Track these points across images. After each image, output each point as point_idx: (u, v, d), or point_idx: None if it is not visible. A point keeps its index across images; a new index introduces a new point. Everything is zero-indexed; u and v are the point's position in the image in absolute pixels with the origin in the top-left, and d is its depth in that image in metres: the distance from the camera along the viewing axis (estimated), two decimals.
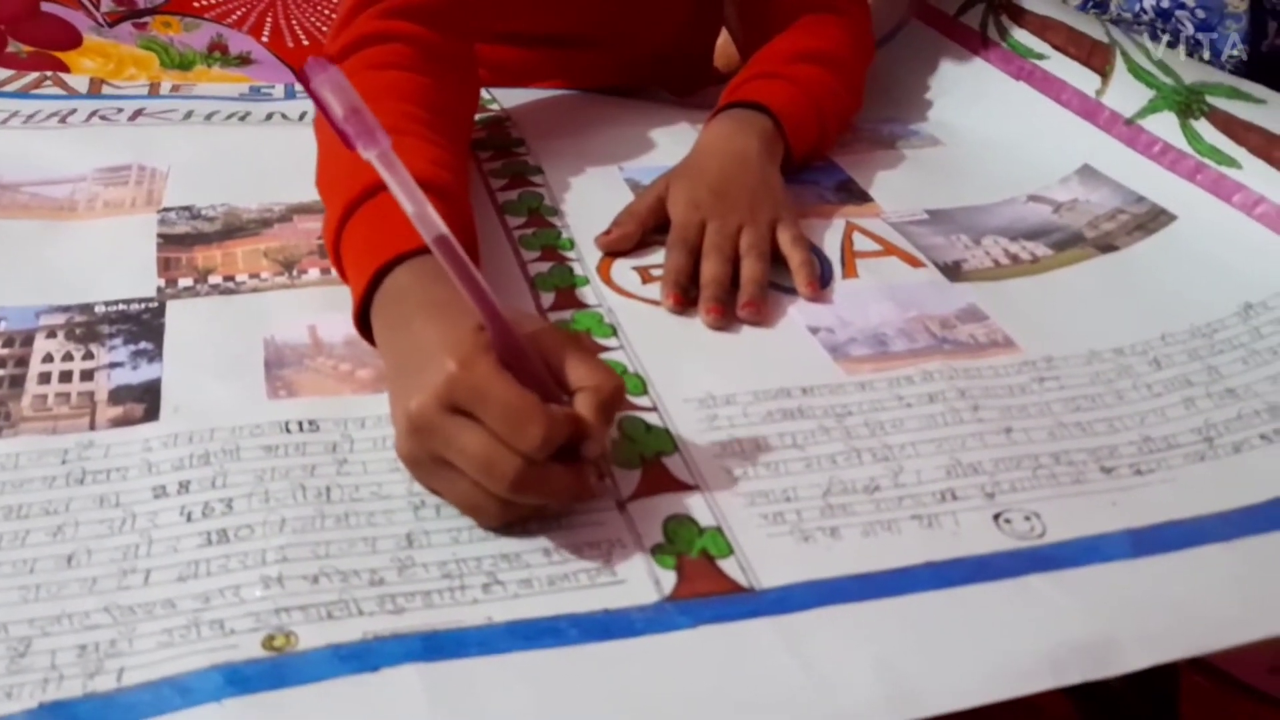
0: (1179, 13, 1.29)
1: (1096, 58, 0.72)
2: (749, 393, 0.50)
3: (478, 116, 0.75)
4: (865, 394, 0.51)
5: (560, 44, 0.82)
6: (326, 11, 1.55)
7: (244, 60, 1.43)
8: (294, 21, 1.57)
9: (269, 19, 1.52)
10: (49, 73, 0.77)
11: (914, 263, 0.61)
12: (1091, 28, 0.74)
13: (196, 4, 1.50)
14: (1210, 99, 0.65)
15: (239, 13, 1.50)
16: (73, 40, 1.66)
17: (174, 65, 1.59)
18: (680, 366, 0.52)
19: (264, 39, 1.44)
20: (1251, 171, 0.62)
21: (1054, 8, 0.77)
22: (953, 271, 0.60)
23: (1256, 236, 0.60)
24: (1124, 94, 0.70)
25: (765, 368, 0.52)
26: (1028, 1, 0.79)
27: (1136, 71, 0.70)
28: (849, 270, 0.60)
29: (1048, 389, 0.51)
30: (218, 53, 1.41)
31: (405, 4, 0.64)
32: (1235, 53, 1.24)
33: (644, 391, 0.50)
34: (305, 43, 1.47)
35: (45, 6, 1.65)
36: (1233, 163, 0.63)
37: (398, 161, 0.41)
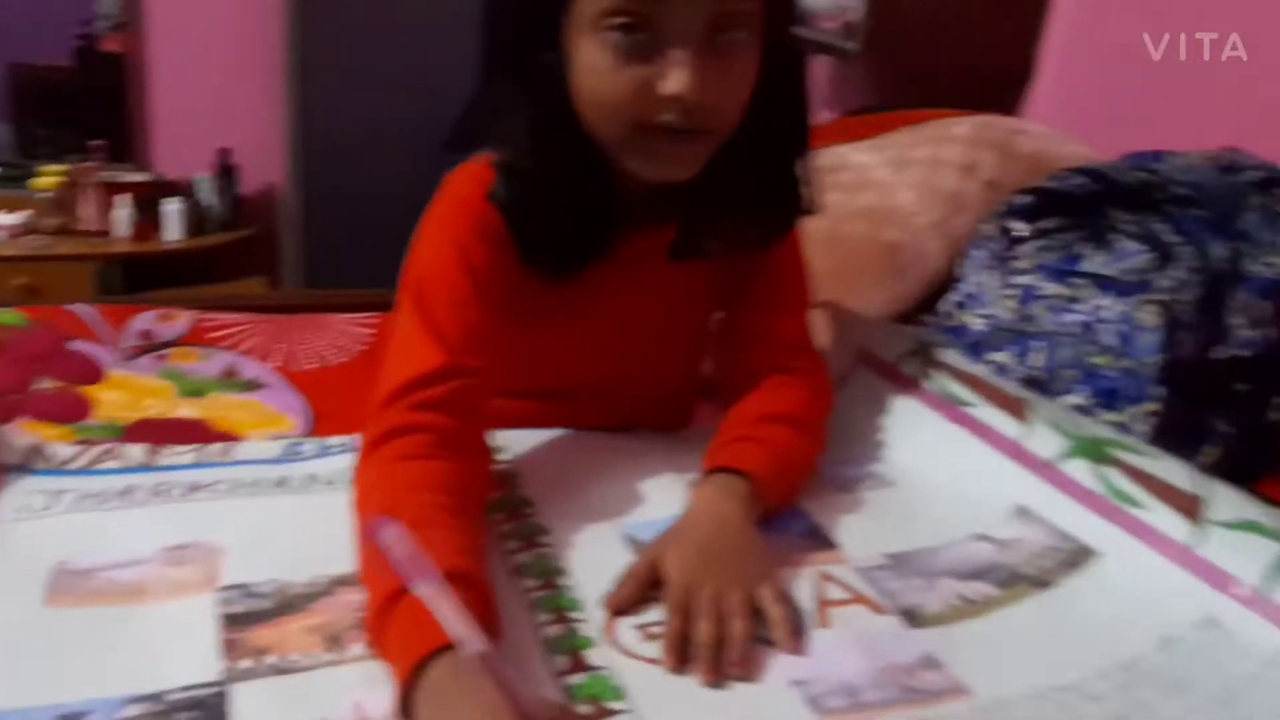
0: (1100, 325, 1.45)
1: (1015, 408, 0.85)
2: None
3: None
4: None
5: (559, 396, 0.95)
6: (330, 339, 1.70)
7: (254, 386, 1.56)
8: (301, 348, 1.71)
9: (281, 346, 1.66)
10: (109, 446, 0.87)
11: (878, 609, 0.70)
12: (1005, 384, 0.86)
13: (210, 335, 1.65)
14: (1110, 450, 0.77)
15: (251, 341, 1.64)
16: (95, 374, 1.78)
17: (189, 393, 1.72)
18: None
19: (277, 364, 1.57)
20: (1156, 512, 0.72)
21: (972, 366, 0.91)
22: (912, 617, 0.69)
23: (1167, 572, 0.69)
24: (1044, 440, 0.82)
25: None
26: (952, 359, 0.93)
27: (1050, 422, 0.81)
28: (822, 619, 0.69)
29: None
30: (230, 378, 1.54)
31: (429, 397, 0.76)
32: (1153, 361, 1.39)
33: None
34: (311, 367, 1.60)
35: (71, 345, 1.79)
36: (1139, 505, 0.73)
37: (442, 595, 0.51)
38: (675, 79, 0.72)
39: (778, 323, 0.93)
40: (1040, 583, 0.72)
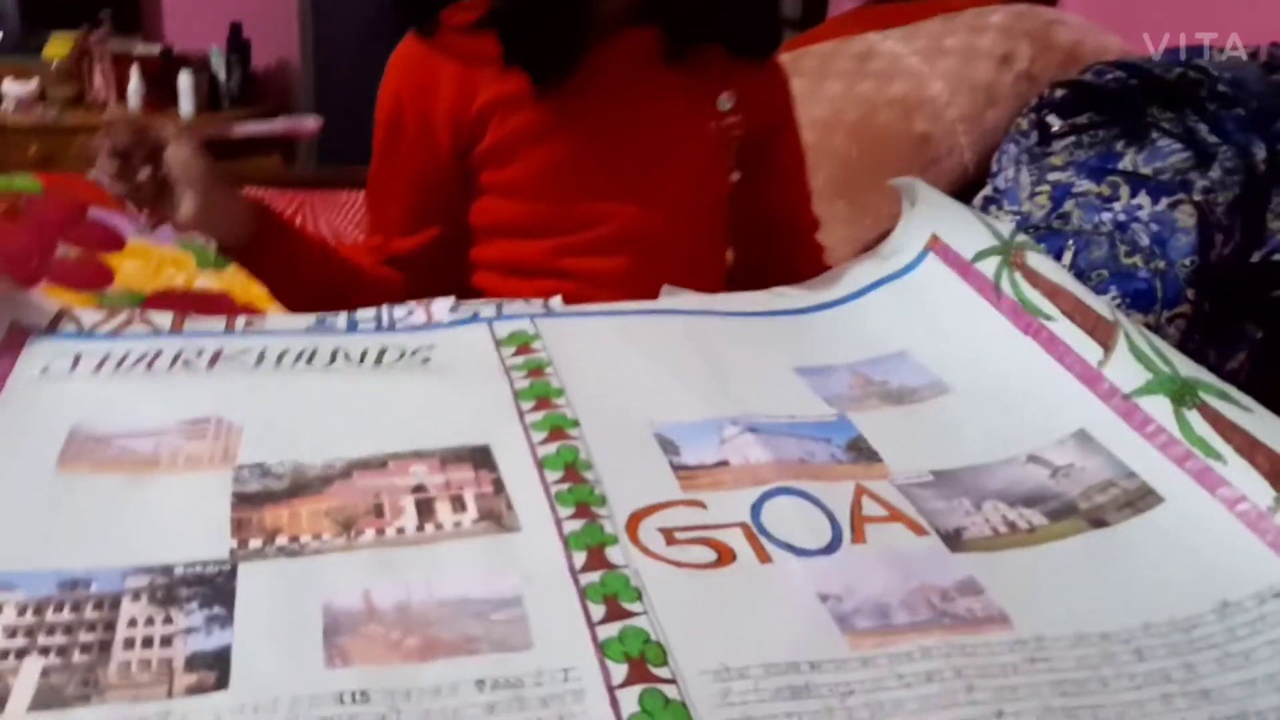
0: (1134, 225, 1.36)
1: (1101, 331, 0.77)
2: (760, 666, 0.55)
3: (521, 359, 0.82)
4: (868, 671, 0.55)
5: (583, 249, 1.06)
6: (349, 213, 1.67)
7: None
8: (321, 220, 1.68)
9: (298, 220, 1.63)
10: (137, 310, 0.85)
11: (918, 530, 0.66)
12: (1098, 304, 0.79)
13: None
14: (1202, 394, 0.70)
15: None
16: (117, 243, 1.79)
17: (209, 265, 1.70)
18: (699, 635, 0.57)
19: None
20: (1235, 469, 0.65)
21: (1065, 277, 0.83)
22: (953, 540, 0.65)
23: (1237, 533, 0.63)
24: (1123, 370, 0.74)
25: (777, 638, 0.57)
26: (1040, 265, 0.85)
27: (1137, 353, 0.74)
28: (858, 536, 0.65)
29: (1038, 670, 0.55)
30: None
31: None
32: (1187, 263, 1.30)
33: (664, 662, 0.55)
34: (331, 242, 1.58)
35: (92, 213, 1.78)
36: (1219, 457, 0.66)
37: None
38: None
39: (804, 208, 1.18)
40: (1096, 520, 0.67)
